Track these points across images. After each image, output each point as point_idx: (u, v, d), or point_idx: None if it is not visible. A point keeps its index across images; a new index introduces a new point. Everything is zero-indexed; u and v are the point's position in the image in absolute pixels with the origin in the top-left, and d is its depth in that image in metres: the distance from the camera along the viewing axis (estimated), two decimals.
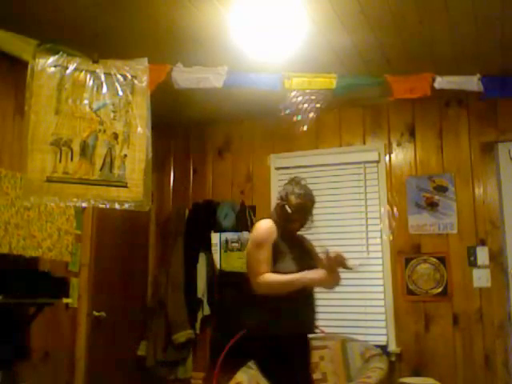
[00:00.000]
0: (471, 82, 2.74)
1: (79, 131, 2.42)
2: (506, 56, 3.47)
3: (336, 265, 2.69)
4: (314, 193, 2.95)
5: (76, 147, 2.40)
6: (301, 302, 2.70)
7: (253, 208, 4.56)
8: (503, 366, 3.71)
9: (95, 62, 2.50)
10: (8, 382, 3.08)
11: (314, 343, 3.42)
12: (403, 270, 4.06)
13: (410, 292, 4.03)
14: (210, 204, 4.64)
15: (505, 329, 3.75)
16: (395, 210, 2.74)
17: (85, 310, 3.89)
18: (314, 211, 2.92)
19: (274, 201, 4.43)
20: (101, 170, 2.43)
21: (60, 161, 2.37)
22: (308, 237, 3.03)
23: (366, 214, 4.23)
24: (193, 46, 3.28)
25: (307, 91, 2.74)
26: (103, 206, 2.43)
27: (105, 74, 2.49)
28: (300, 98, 2.67)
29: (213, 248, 4.51)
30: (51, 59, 2.42)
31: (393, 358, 3.94)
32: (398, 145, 4.28)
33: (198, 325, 4.42)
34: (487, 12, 2.95)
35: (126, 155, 2.47)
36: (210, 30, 3.12)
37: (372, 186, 4.29)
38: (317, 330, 3.02)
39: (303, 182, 2.91)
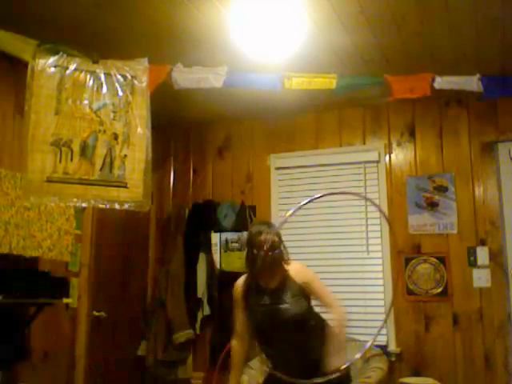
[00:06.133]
0: (471, 82, 2.74)
1: (79, 131, 2.42)
2: (506, 56, 3.47)
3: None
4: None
5: (76, 147, 2.41)
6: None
7: (253, 208, 4.55)
8: (503, 366, 3.71)
9: (95, 62, 2.51)
10: (8, 382, 3.08)
11: None
12: (403, 269, 4.06)
13: (410, 292, 4.03)
14: (210, 204, 4.64)
15: (505, 329, 3.75)
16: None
17: (85, 310, 3.88)
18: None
19: (275, 201, 4.54)
20: (101, 170, 2.43)
21: (60, 161, 2.38)
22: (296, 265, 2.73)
23: (366, 214, 4.23)
24: (193, 46, 3.27)
25: None
26: (103, 206, 2.43)
27: (105, 74, 2.50)
28: None
29: (213, 248, 4.50)
30: (51, 59, 2.42)
31: (393, 358, 3.94)
32: (398, 145, 4.28)
33: (198, 325, 4.42)
34: (487, 12, 2.95)
35: (125, 155, 2.48)
36: (210, 30, 3.11)
37: (372, 186, 4.28)
38: None
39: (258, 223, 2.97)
